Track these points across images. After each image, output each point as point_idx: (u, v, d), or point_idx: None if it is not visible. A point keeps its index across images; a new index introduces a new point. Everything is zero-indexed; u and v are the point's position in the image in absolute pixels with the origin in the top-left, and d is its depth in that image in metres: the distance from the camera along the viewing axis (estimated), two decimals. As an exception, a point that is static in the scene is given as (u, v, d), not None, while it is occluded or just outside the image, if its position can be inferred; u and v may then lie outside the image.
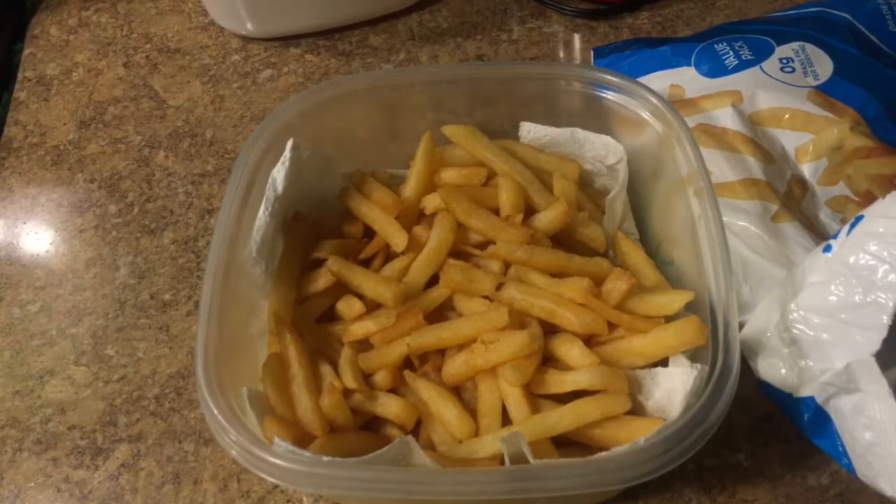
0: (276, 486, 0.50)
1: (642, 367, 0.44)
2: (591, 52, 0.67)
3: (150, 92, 0.71)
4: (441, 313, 0.48)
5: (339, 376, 0.45)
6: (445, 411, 0.43)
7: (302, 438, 0.42)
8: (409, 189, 0.52)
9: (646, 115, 0.49)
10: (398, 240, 0.49)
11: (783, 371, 0.46)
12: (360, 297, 0.48)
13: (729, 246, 0.43)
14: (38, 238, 0.63)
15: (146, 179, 0.65)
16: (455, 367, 0.45)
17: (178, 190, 0.65)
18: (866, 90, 0.57)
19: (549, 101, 0.52)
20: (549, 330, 0.45)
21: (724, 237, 0.43)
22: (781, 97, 0.57)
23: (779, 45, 0.60)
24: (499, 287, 0.46)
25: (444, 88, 0.53)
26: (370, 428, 0.46)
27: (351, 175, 0.53)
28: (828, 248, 0.44)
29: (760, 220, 0.52)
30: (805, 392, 0.45)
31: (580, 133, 0.52)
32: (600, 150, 0.52)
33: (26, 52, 0.76)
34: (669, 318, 0.44)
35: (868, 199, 0.53)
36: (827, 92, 0.57)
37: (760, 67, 0.59)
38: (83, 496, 0.51)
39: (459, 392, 0.46)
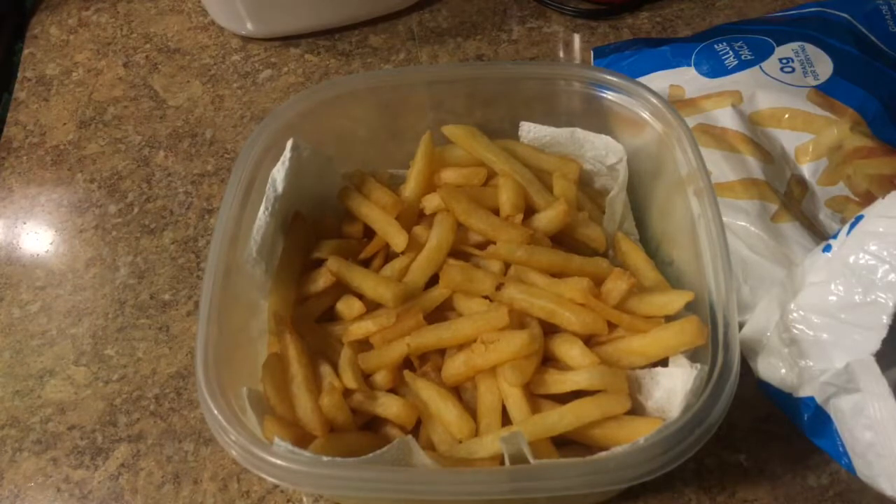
0: (276, 486, 0.50)
1: (642, 367, 0.44)
2: (591, 52, 0.67)
3: (150, 92, 0.71)
4: (441, 313, 0.48)
5: (339, 376, 0.45)
6: (445, 411, 0.43)
7: (302, 438, 0.42)
8: (409, 189, 0.52)
9: (646, 115, 0.49)
10: (398, 240, 0.49)
11: (783, 371, 0.46)
12: (360, 297, 0.48)
13: (729, 246, 0.43)
14: (38, 238, 0.64)
15: (146, 179, 0.65)
16: (455, 367, 0.45)
17: (178, 190, 0.65)
18: (866, 90, 0.57)
19: (549, 101, 0.52)
20: (549, 330, 0.45)
21: (724, 237, 0.43)
22: (781, 97, 0.57)
23: (779, 45, 0.60)
24: (499, 287, 0.46)
25: (444, 88, 0.53)
26: (370, 428, 0.46)
27: (351, 175, 0.53)
28: (828, 248, 0.44)
29: (760, 220, 0.52)
30: (805, 392, 0.45)
31: (580, 133, 0.52)
32: (600, 150, 0.52)
33: (26, 52, 0.76)
34: (669, 318, 0.44)
35: (868, 199, 0.53)
36: (827, 92, 0.57)
37: (760, 67, 0.59)
38: (83, 496, 0.51)
39: (459, 392, 0.46)
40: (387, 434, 0.45)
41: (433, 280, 0.48)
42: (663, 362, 0.44)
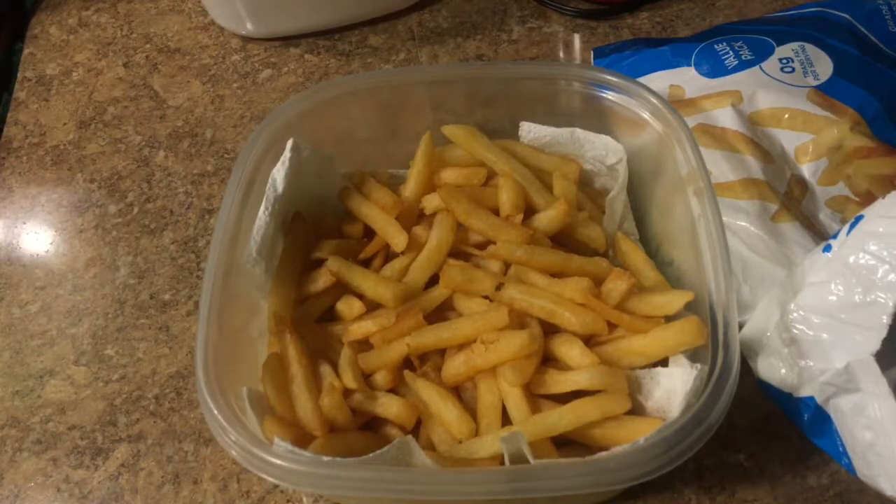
0: (276, 486, 0.50)
1: (642, 367, 0.44)
2: (591, 52, 0.67)
3: (150, 92, 0.71)
4: (441, 313, 0.48)
5: (339, 376, 0.45)
6: (445, 411, 0.43)
7: (302, 438, 0.42)
8: (409, 189, 0.52)
9: (646, 115, 0.49)
10: (398, 240, 0.49)
11: (783, 371, 0.46)
12: (360, 297, 0.48)
13: (729, 246, 0.43)
14: (38, 238, 0.63)
15: (146, 179, 0.65)
16: (455, 367, 0.45)
17: (178, 190, 0.65)
18: (866, 90, 0.57)
19: (549, 101, 0.52)
20: (549, 330, 0.45)
21: (724, 237, 0.43)
22: (781, 97, 0.57)
23: (779, 45, 0.60)
24: (499, 287, 0.46)
25: (444, 88, 0.53)
26: (370, 428, 0.46)
27: (351, 175, 0.53)
28: (828, 248, 0.44)
29: (760, 220, 0.52)
30: (805, 392, 0.45)
31: (580, 133, 0.52)
32: (600, 150, 0.52)
33: (26, 52, 0.76)
34: (669, 318, 0.44)
35: (868, 199, 0.53)
36: (827, 92, 0.57)
37: (760, 67, 0.59)
38: (83, 496, 0.51)
39: (459, 392, 0.46)
40: (387, 434, 0.45)
41: (433, 280, 0.48)
42: (663, 362, 0.44)
